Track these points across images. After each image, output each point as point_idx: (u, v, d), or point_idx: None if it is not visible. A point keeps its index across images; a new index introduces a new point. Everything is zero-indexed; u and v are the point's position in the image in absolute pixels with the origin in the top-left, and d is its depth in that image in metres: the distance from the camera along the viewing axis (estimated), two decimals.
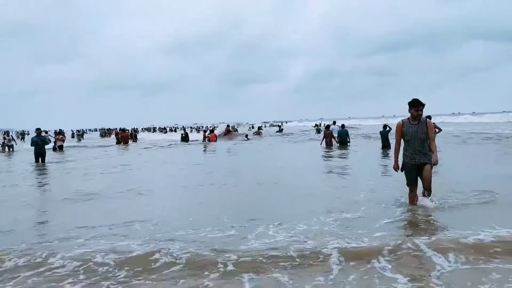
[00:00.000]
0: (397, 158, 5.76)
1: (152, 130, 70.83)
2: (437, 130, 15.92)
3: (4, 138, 24.53)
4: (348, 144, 18.84)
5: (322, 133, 22.42)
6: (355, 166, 11.71)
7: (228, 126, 38.17)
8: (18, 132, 51.52)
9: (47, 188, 9.63)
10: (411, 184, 5.66)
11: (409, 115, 5.57)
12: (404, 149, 5.70)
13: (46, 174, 12.32)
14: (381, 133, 17.28)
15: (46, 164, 14.69)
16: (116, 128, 54.28)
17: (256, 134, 38.20)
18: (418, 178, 5.66)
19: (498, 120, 48.07)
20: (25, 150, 22.56)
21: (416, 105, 5.44)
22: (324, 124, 33.75)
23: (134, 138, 30.70)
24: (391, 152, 15.96)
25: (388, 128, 17.02)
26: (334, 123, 24.64)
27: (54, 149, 22.43)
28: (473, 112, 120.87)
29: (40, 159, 15.10)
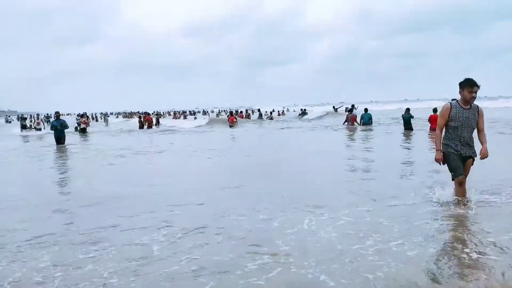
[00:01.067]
0: (440, 146, 4.86)
1: (177, 114, 55.56)
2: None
3: (32, 122, 25.37)
4: (371, 126, 18.98)
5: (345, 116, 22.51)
6: (384, 152, 11.54)
7: (231, 113, 29.54)
8: (45, 116, 53.07)
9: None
10: (460, 173, 4.74)
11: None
12: (446, 138, 4.86)
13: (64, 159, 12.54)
14: (403, 116, 17.36)
15: (66, 147, 15.00)
16: (138, 112, 54.87)
17: (269, 119, 35.44)
18: None
19: None
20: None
21: (471, 85, 4.61)
22: (347, 107, 33.60)
23: (157, 122, 30.96)
24: (414, 133, 16.02)
25: (409, 114, 16.94)
26: (353, 106, 24.25)
27: (76, 129, 22.97)
28: (500, 96, 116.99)
29: (60, 141, 15.36)
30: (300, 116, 38.52)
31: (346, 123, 20.00)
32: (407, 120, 16.97)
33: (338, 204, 4.98)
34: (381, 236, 3.76)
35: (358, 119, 19.58)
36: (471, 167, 4.87)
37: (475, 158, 4.84)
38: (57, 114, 16.48)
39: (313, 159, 10.09)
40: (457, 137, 4.76)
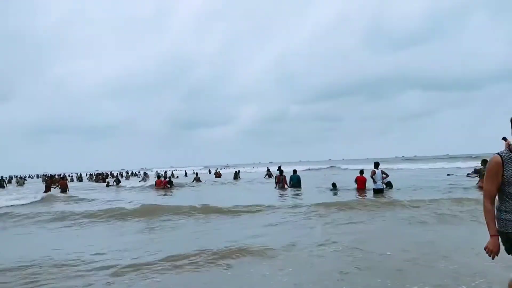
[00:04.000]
0: (495, 229, 3.02)
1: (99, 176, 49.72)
2: (384, 176, 16.57)
3: None
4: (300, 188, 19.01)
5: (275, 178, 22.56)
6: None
7: (159, 177, 28.90)
8: None
9: None
10: None
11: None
12: (501, 209, 3.06)
13: None
14: (291, 178, 19.22)
15: None
16: (59, 175, 50.65)
17: (196, 181, 31.17)
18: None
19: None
20: None
21: None
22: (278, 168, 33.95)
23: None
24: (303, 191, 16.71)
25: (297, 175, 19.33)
26: (279, 168, 24.45)
27: None
28: (415, 156, 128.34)
29: None
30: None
31: (276, 185, 20.01)
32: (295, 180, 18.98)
33: None
34: None
35: (288, 181, 19.70)
36: None
37: None
38: None
39: None
40: None
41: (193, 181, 30.56)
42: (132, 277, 5.34)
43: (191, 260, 6.05)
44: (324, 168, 60.24)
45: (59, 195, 22.32)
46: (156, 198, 19.32)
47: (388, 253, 5.98)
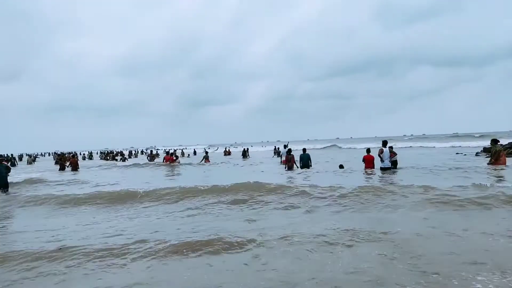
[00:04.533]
0: None
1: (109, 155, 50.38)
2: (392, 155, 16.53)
3: None
4: (311, 167, 18.95)
5: (283, 157, 22.59)
6: None
7: (168, 153, 28.54)
8: None
9: None
10: None
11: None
12: None
13: None
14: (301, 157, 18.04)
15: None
16: (70, 153, 51.64)
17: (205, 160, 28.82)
18: None
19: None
20: None
21: None
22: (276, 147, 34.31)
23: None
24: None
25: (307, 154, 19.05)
26: (286, 147, 24.56)
27: None
28: (423, 134, 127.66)
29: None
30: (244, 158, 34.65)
31: (285, 166, 19.59)
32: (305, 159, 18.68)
33: None
34: None
35: (297, 160, 19.63)
36: None
37: None
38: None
39: None
40: None
41: (202, 161, 28.51)
42: None
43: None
44: (319, 148, 57.44)
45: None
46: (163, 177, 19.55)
47: None
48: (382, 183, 11.86)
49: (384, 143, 16.20)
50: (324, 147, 62.54)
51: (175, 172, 21.80)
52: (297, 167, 19.08)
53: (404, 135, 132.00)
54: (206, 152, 32.30)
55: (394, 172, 15.27)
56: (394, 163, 16.59)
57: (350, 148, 57.03)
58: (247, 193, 10.66)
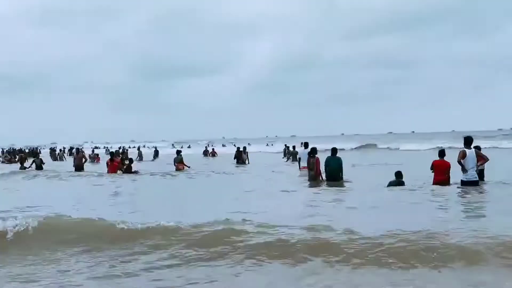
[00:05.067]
0: None
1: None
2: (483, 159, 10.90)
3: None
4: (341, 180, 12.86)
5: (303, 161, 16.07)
6: None
7: (113, 154, 20.38)
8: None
9: None
10: None
11: None
12: None
13: None
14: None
15: None
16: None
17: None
18: None
19: None
20: None
21: None
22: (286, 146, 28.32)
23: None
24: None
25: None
26: (306, 145, 16.64)
27: None
28: None
29: None
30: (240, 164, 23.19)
31: (308, 175, 13.74)
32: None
33: None
34: None
35: (322, 166, 13.44)
36: None
37: None
38: None
39: None
40: None
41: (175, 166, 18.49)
42: None
43: None
44: (352, 149, 40.64)
45: None
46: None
47: None
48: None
49: (468, 141, 10.74)
50: (358, 147, 44.73)
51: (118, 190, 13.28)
52: (322, 179, 13.32)
53: (500, 129, 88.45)
54: (179, 152, 20.96)
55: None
56: (481, 174, 11.11)
57: (407, 150, 36.55)
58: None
